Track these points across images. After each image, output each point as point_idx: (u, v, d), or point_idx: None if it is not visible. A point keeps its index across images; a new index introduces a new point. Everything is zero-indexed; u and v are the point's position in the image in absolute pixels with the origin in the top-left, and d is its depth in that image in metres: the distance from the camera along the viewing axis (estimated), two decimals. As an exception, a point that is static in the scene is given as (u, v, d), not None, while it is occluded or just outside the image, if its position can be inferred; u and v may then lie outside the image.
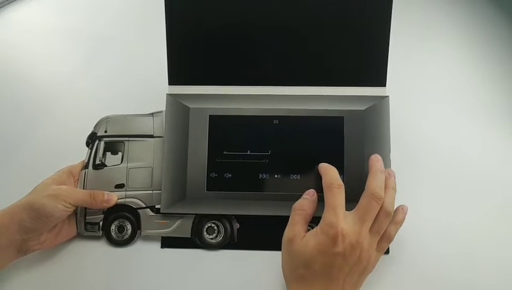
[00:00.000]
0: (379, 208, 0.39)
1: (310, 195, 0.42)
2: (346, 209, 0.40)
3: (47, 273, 0.45)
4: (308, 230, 0.40)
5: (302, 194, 0.45)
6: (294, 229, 0.39)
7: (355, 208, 0.39)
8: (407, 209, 0.42)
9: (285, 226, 0.45)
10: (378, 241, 0.40)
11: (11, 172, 0.51)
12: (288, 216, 0.45)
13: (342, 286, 0.38)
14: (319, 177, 0.44)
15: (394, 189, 0.41)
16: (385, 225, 0.40)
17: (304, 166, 0.45)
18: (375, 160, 0.42)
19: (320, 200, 0.41)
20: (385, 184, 0.41)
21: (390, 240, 0.41)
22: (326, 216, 0.38)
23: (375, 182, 0.40)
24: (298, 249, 0.38)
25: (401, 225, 0.42)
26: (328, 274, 0.37)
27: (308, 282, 0.37)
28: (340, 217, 0.38)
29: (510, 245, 0.45)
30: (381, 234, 0.40)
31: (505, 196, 0.47)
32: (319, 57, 0.47)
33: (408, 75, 0.52)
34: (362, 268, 0.39)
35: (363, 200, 0.39)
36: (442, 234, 0.46)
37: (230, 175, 0.46)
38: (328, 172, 0.41)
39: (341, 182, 0.40)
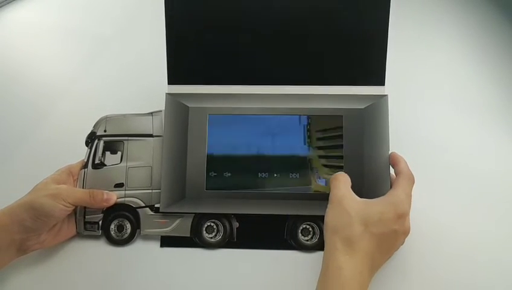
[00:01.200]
0: None
1: (343, 173, 0.43)
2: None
3: (47, 272, 0.45)
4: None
5: (301, 193, 0.45)
6: (344, 189, 0.40)
7: (405, 192, 0.40)
8: None
9: (285, 226, 0.46)
10: None
11: (11, 171, 0.51)
12: (287, 215, 0.45)
13: (383, 261, 0.39)
14: (318, 177, 0.44)
15: None
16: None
17: (304, 165, 0.46)
18: (398, 155, 0.43)
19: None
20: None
21: (408, 232, 0.42)
22: (399, 194, 0.39)
23: (407, 167, 0.42)
24: (357, 207, 0.38)
25: None
26: (381, 244, 0.37)
27: (361, 242, 0.37)
28: (410, 203, 0.39)
29: (510, 245, 0.45)
30: None
31: (505, 195, 0.47)
32: (318, 56, 0.47)
33: (407, 74, 0.52)
34: (391, 254, 0.40)
35: (407, 184, 0.40)
36: (442, 233, 0.46)
37: (229, 174, 0.46)
38: (405, 163, 0.42)
39: (414, 178, 0.41)
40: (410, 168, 0.47)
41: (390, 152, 0.44)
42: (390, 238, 0.38)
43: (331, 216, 0.39)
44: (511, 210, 0.46)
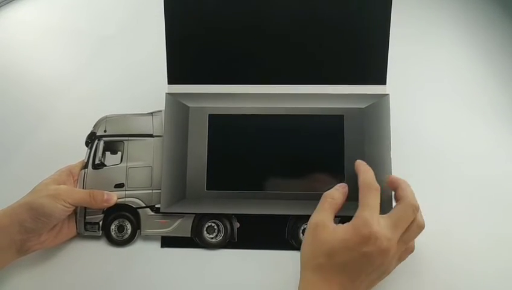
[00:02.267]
0: (413, 218, 0.38)
1: (341, 187, 0.41)
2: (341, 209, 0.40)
3: (47, 273, 0.45)
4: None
5: (302, 193, 0.45)
6: (323, 215, 0.38)
7: (390, 213, 0.38)
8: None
9: (285, 226, 0.45)
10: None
11: (11, 172, 0.51)
12: (288, 215, 0.45)
13: (358, 285, 0.37)
14: (319, 176, 0.44)
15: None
16: (414, 237, 0.39)
17: (304, 164, 0.45)
18: (397, 177, 0.42)
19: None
20: None
21: (411, 251, 0.41)
22: (362, 214, 0.37)
23: (411, 193, 0.39)
24: (325, 238, 0.37)
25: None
26: (349, 271, 0.36)
27: (326, 273, 0.36)
28: (375, 218, 0.37)
29: (510, 245, 0.45)
30: (407, 245, 0.40)
31: (507, 194, 0.47)
32: (319, 56, 0.46)
33: (408, 73, 0.52)
34: (381, 273, 0.38)
35: (398, 207, 0.39)
36: (444, 235, 0.45)
37: (230, 174, 0.46)
38: (367, 172, 0.40)
39: (378, 186, 0.39)
40: (410, 167, 0.47)
41: (388, 176, 0.42)
42: (360, 263, 0.36)
43: (304, 245, 0.38)
44: (513, 210, 0.46)
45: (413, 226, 0.39)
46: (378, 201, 0.38)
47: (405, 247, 0.39)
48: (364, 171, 0.41)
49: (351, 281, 0.36)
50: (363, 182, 0.39)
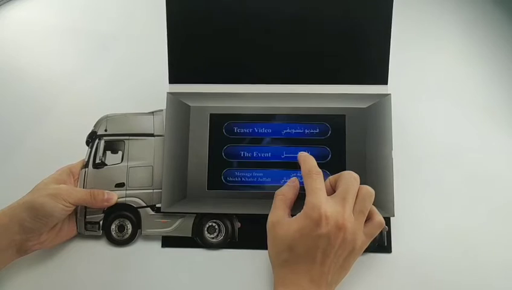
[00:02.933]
0: (358, 187, 0.39)
1: (291, 181, 0.42)
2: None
3: (47, 272, 0.45)
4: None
5: (303, 193, 0.45)
6: (277, 213, 0.40)
7: (336, 192, 0.39)
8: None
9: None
10: (366, 226, 0.39)
11: (11, 171, 0.50)
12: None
13: (327, 269, 0.37)
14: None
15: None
16: (369, 204, 0.39)
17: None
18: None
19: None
20: None
21: (381, 225, 0.40)
22: (308, 200, 0.38)
23: (346, 172, 0.40)
24: (282, 233, 0.38)
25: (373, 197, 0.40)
26: (312, 257, 0.37)
27: (292, 266, 0.37)
28: (322, 199, 0.37)
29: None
30: (366, 214, 0.39)
31: (509, 194, 0.47)
32: (321, 55, 0.46)
33: (410, 72, 0.52)
34: (348, 251, 0.38)
35: (340, 182, 0.39)
36: (445, 233, 0.45)
37: (231, 174, 0.45)
38: (307, 160, 0.41)
39: (319, 170, 0.40)
40: (412, 167, 0.47)
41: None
42: (320, 246, 0.36)
43: (268, 245, 0.39)
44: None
45: (361, 194, 0.39)
46: (322, 183, 0.39)
47: (364, 217, 0.39)
48: (304, 160, 0.41)
49: (318, 266, 0.37)
50: (304, 170, 0.40)
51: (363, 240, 0.39)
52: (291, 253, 0.37)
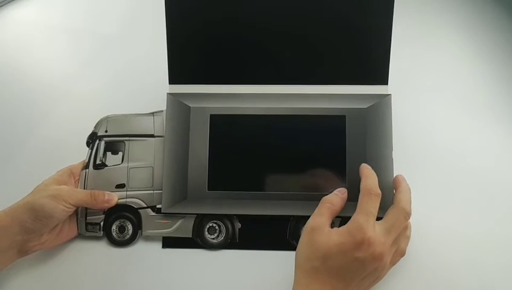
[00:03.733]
0: (404, 225, 0.39)
1: (341, 193, 0.41)
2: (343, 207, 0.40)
3: (48, 273, 0.45)
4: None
5: (304, 194, 0.45)
6: (320, 220, 0.39)
7: (383, 219, 0.39)
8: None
9: (287, 226, 0.45)
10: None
11: (12, 172, 0.50)
12: (290, 216, 0.45)
13: (350, 289, 0.37)
14: (321, 176, 0.44)
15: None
16: (405, 245, 0.41)
17: (306, 165, 0.45)
18: (402, 178, 0.42)
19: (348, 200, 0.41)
20: None
21: (403, 254, 0.41)
22: (357, 219, 0.37)
23: (406, 199, 0.40)
24: (320, 241, 0.37)
25: (409, 239, 0.42)
26: (342, 275, 0.37)
27: (319, 276, 0.37)
28: (370, 224, 0.37)
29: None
30: (399, 253, 0.41)
31: (509, 195, 0.47)
32: (321, 56, 0.46)
33: (410, 73, 0.52)
34: (375, 278, 0.39)
35: (392, 213, 0.39)
36: (446, 234, 0.45)
37: (231, 174, 0.45)
38: (370, 177, 0.40)
39: (379, 192, 0.39)
40: (412, 167, 0.47)
41: (395, 175, 0.43)
42: (354, 267, 0.36)
43: (300, 248, 0.39)
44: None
45: (404, 234, 0.40)
46: (377, 207, 0.38)
47: (397, 250, 0.40)
48: (367, 175, 0.41)
49: (344, 285, 0.37)
50: (364, 186, 0.40)
51: (388, 268, 0.40)
52: (324, 264, 0.37)
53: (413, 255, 0.44)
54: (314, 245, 0.37)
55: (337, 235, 0.37)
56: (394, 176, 0.43)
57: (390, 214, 0.39)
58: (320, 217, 0.39)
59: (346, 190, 0.42)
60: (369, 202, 0.38)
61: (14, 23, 0.59)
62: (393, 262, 0.41)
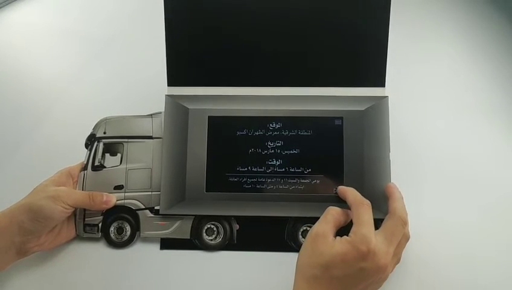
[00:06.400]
0: (403, 233, 0.39)
1: (345, 210, 0.41)
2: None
3: (46, 274, 0.45)
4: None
5: (301, 195, 0.45)
6: (325, 227, 0.39)
7: (381, 228, 0.39)
8: None
9: (284, 228, 0.45)
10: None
11: (10, 173, 0.51)
12: (288, 217, 0.45)
13: None
14: (318, 178, 0.44)
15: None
16: (402, 250, 0.41)
17: (304, 167, 0.45)
18: (395, 187, 0.42)
19: None
20: None
21: (398, 261, 0.42)
22: (359, 230, 0.37)
23: (401, 207, 0.40)
24: (323, 249, 0.37)
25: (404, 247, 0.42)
26: (344, 284, 0.37)
27: (320, 285, 0.37)
28: (372, 234, 0.37)
29: (509, 244, 0.45)
30: (399, 260, 0.41)
31: (504, 195, 0.47)
32: (319, 58, 0.47)
33: (407, 75, 0.52)
34: (376, 286, 0.39)
35: (390, 222, 0.39)
36: (443, 234, 0.45)
37: (229, 176, 0.46)
38: (353, 192, 0.41)
39: (369, 202, 0.40)
40: (409, 169, 0.47)
41: (387, 184, 0.43)
42: (357, 277, 0.37)
43: (302, 253, 0.39)
44: (509, 209, 0.46)
45: (402, 239, 0.40)
46: (372, 217, 0.39)
47: (397, 262, 0.41)
48: (350, 192, 0.41)
49: None
50: (354, 201, 0.40)
51: (386, 278, 0.40)
52: (325, 272, 0.37)
53: (409, 255, 0.44)
54: (317, 252, 0.38)
55: (340, 245, 0.37)
56: (390, 178, 0.44)
57: (389, 224, 0.39)
58: (325, 225, 0.39)
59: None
60: (365, 213, 0.39)
61: (14, 24, 0.59)
62: (392, 270, 0.41)
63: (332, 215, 0.40)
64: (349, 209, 0.40)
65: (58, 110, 0.53)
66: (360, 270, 0.36)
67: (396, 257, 0.40)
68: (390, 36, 0.45)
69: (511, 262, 0.44)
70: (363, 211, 0.39)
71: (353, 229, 0.38)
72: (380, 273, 0.37)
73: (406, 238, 0.41)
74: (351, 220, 0.39)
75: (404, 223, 0.39)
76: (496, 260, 0.44)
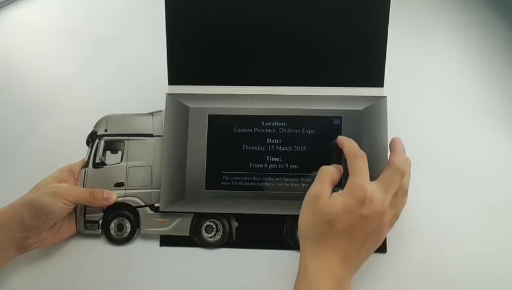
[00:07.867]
0: (400, 183, 0.40)
1: (336, 166, 0.42)
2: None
3: (47, 271, 0.46)
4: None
5: (300, 193, 0.45)
6: (322, 186, 0.39)
7: (379, 178, 0.39)
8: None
9: (283, 226, 0.46)
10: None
11: (12, 170, 0.51)
12: (286, 215, 0.46)
13: (359, 248, 0.38)
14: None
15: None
16: (401, 202, 0.41)
17: (302, 165, 0.46)
18: (398, 141, 0.42)
19: None
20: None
21: (398, 217, 0.42)
22: (354, 180, 0.38)
23: (399, 159, 0.40)
24: (324, 207, 0.38)
25: (404, 205, 0.42)
26: (350, 235, 0.37)
27: (329, 241, 0.37)
28: (367, 181, 0.38)
29: (509, 245, 0.45)
30: (397, 214, 0.41)
31: (503, 195, 0.47)
32: (317, 57, 0.47)
33: (406, 75, 0.52)
34: (377, 238, 0.39)
35: (387, 172, 0.39)
36: (441, 234, 0.46)
37: (229, 174, 0.46)
38: (351, 143, 0.41)
39: (364, 153, 0.40)
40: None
41: (392, 138, 0.43)
42: (358, 226, 0.37)
43: (303, 218, 0.39)
44: (509, 209, 0.46)
45: (399, 192, 0.40)
46: (367, 166, 0.39)
47: (394, 212, 0.40)
48: (347, 143, 0.42)
49: (353, 245, 0.37)
50: (349, 152, 0.40)
51: (387, 230, 0.40)
52: (331, 228, 0.37)
53: (407, 253, 0.45)
54: (319, 211, 0.38)
55: (340, 198, 0.37)
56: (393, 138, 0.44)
57: (386, 173, 0.39)
58: (321, 184, 0.39)
59: (341, 166, 0.42)
60: (358, 163, 0.39)
61: (15, 23, 0.60)
62: (391, 224, 0.41)
63: (326, 174, 0.40)
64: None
65: (60, 108, 0.53)
66: (361, 218, 0.37)
67: (395, 210, 0.40)
68: (390, 36, 0.45)
69: (511, 262, 0.44)
70: (356, 161, 0.39)
71: (349, 179, 0.38)
72: (379, 219, 0.37)
73: (403, 190, 0.41)
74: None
75: (402, 173, 0.39)
76: (496, 260, 0.44)
